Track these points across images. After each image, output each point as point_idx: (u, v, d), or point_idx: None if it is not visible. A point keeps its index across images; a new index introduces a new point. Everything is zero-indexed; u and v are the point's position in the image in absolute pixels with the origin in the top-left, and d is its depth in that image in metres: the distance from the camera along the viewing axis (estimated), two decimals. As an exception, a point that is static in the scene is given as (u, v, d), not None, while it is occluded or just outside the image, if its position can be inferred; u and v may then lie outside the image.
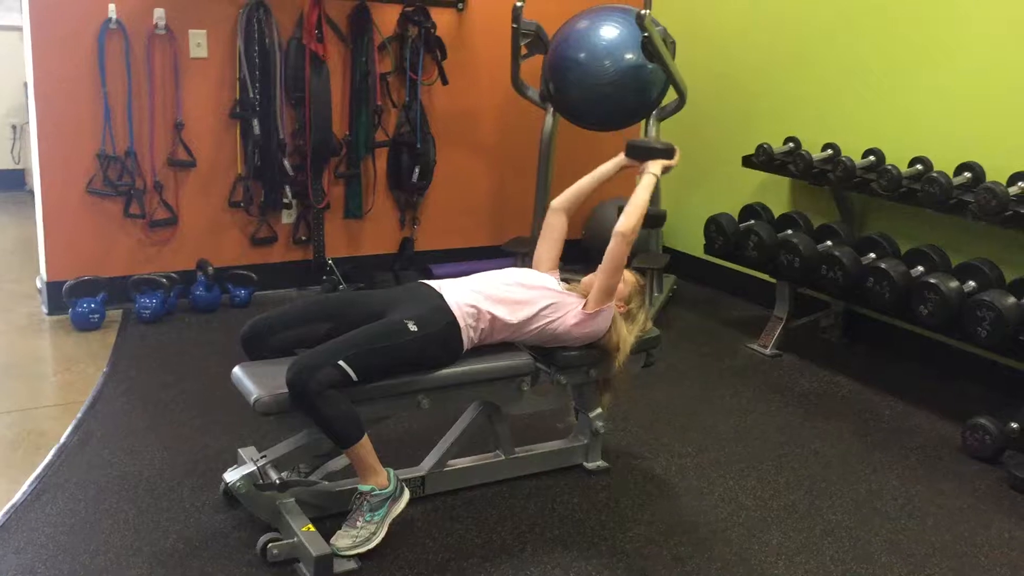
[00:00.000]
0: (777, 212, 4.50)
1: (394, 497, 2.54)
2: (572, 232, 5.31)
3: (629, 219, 2.78)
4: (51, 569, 2.40)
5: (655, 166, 2.92)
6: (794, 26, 4.66)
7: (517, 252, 4.69)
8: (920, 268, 3.76)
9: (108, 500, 2.73)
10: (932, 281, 3.52)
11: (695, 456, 3.24)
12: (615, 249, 2.76)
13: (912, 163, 3.95)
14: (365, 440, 2.48)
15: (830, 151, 4.29)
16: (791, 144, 4.45)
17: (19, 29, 4.42)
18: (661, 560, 2.60)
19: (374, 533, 2.48)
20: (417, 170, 4.90)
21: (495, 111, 5.16)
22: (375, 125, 4.79)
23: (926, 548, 2.73)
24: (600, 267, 2.80)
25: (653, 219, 3.13)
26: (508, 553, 2.59)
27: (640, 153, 2.98)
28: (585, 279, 2.96)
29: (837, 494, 3.02)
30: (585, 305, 2.80)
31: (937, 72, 4.01)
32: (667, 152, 2.97)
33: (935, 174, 3.68)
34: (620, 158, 3.03)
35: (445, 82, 4.88)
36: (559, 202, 3.05)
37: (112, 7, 4.11)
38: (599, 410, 3.03)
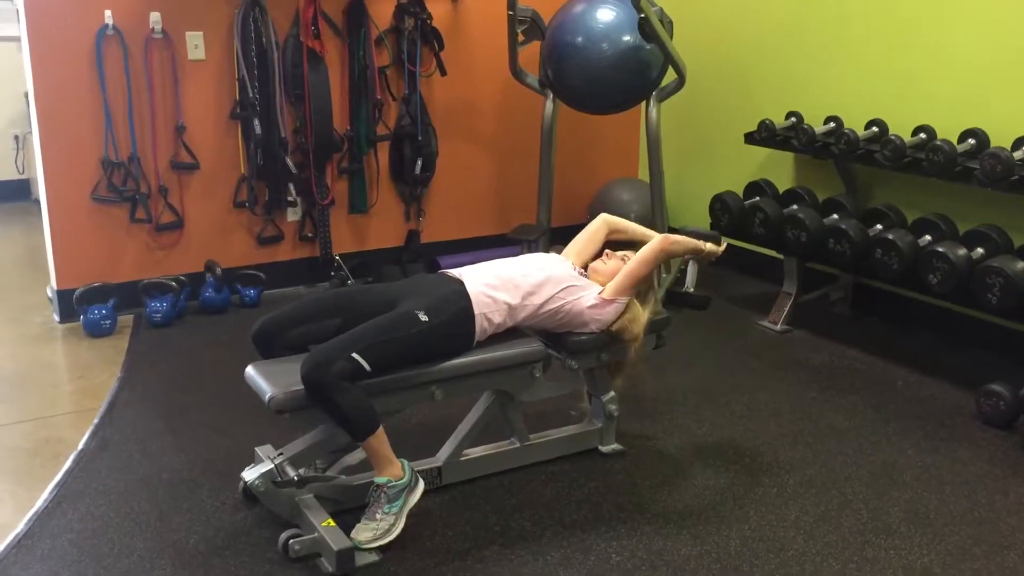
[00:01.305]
0: (782, 188, 4.49)
1: (410, 487, 2.56)
2: (579, 216, 5.33)
3: (679, 238, 2.93)
4: (76, 574, 2.42)
5: (687, 246, 2.96)
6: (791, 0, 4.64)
7: (523, 239, 4.69)
8: (928, 237, 3.75)
9: (129, 503, 2.76)
10: (940, 250, 3.51)
11: (710, 435, 3.24)
12: (656, 247, 2.86)
13: (915, 132, 3.94)
14: (380, 432, 2.49)
15: (832, 124, 4.28)
16: (793, 119, 4.44)
17: (17, 40, 4.43)
18: (680, 539, 2.61)
19: (393, 524, 2.49)
20: (420, 162, 4.90)
21: (495, 99, 5.16)
22: (376, 119, 4.79)
23: (945, 517, 2.73)
24: (635, 256, 2.86)
25: (698, 302, 3.22)
26: (527, 539, 2.60)
27: (695, 235, 3.01)
28: (592, 264, 2.97)
29: (853, 466, 3.02)
30: (603, 291, 2.82)
31: (937, 39, 3.99)
32: (709, 237, 3.01)
33: (939, 142, 3.66)
34: (658, 245, 2.94)
35: (443, 73, 4.87)
36: (612, 220, 3.11)
37: (108, 13, 4.11)
38: (612, 393, 3.04)
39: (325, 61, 4.57)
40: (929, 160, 3.67)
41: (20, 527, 2.62)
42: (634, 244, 3.01)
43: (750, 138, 4.54)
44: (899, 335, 4.17)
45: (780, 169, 4.74)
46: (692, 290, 3.16)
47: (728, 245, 3.08)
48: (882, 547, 2.58)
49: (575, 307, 2.80)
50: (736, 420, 3.36)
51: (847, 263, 3.90)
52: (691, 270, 3.17)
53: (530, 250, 4.45)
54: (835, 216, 4.10)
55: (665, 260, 2.94)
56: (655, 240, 2.91)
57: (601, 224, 3.08)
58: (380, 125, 4.82)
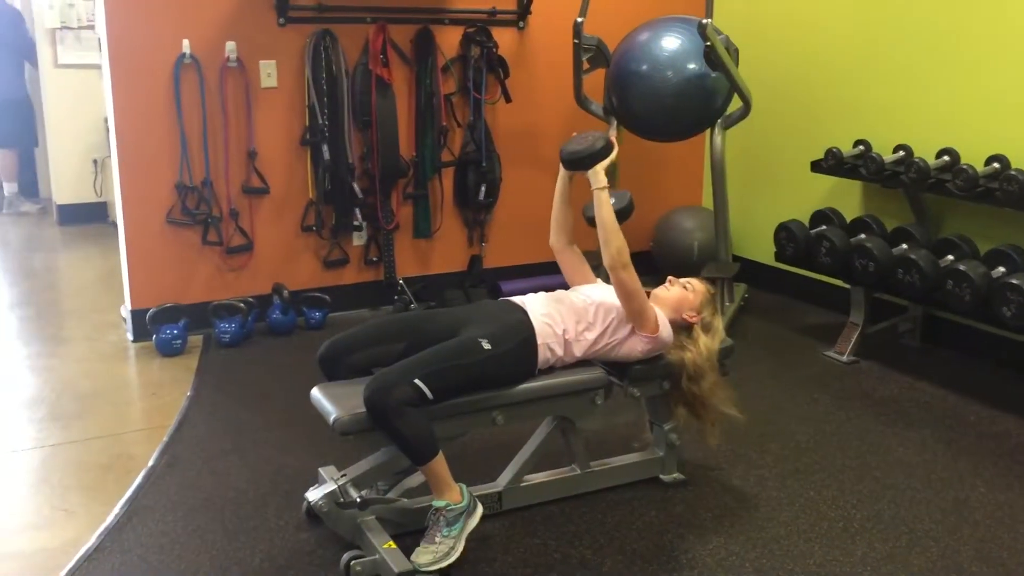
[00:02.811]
0: (849, 216, 4.42)
1: (469, 511, 2.56)
2: (642, 243, 5.31)
3: (606, 248, 2.68)
4: (144, 588, 2.48)
5: (596, 176, 2.73)
6: (858, 26, 4.59)
7: (586, 266, 4.68)
8: (1001, 269, 3.66)
9: (196, 521, 2.81)
10: (1014, 282, 3.42)
11: (773, 466, 3.20)
12: (616, 281, 2.68)
13: (988, 161, 3.85)
14: (440, 457, 2.50)
15: (902, 152, 4.21)
16: (861, 147, 4.38)
17: (99, 67, 4.60)
18: (743, 572, 2.57)
19: (452, 548, 2.50)
20: (483, 188, 4.94)
21: (559, 127, 5.18)
22: (441, 145, 4.85)
23: (1018, 556, 2.65)
24: (620, 301, 2.73)
25: (622, 212, 2.92)
26: (587, 567, 2.59)
27: (574, 165, 2.80)
28: (655, 291, 2.96)
29: (922, 502, 2.95)
30: (640, 328, 2.77)
31: (1010, 66, 3.91)
32: (599, 153, 2.73)
33: (1013, 172, 3.58)
34: (563, 172, 2.94)
35: (508, 100, 4.93)
36: (554, 241, 3.04)
37: (186, 42, 4.25)
38: (674, 422, 3.01)
39: (393, 88, 4.65)
40: (1003, 190, 3.59)
41: (92, 541, 2.69)
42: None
43: (816, 166, 4.49)
44: (971, 368, 4.07)
45: (847, 198, 4.68)
46: (612, 201, 2.89)
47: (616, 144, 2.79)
48: (952, 587, 2.51)
49: (624, 349, 2.78)
50: (801, 452, 3.31)
51: (917, 294, 3.82)
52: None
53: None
54: (904, 246, 4.03)
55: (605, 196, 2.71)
56: (607, 237, 2.68)
57: (558, 255, 3.03)
58: (445, 151, 4.88)
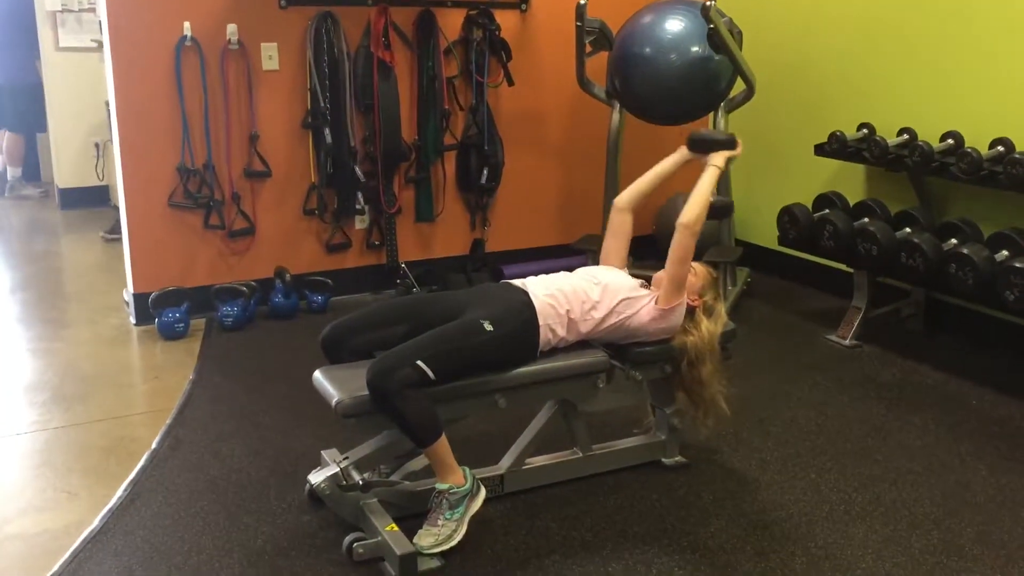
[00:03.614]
0: (852, 200, 4.41)
1: (471, 494, 2.57)
2: (643, 227, 5.30)
3: (692, 210, 2.81)
4: (148, 570, 2.49)
5: (718, 158, 2.94)
6: (863, 9, 4.57)
7: (587, 250, 4.69)
8: (1005, 252, 3.65)
9: (199, 503, 2.82)
10: (1018, 266, 3.42)
11: (775, 450, 3.20)
12: (680, 240, 2.79)
13: (993, 144, 3.84)
14: (443, 439, 2.51)
15: (906, 136, 4.19)
16: (865, 130, 4.36)
17: (100, 50, 4.59)
18: (744, 555, 2.57)
19: (455, 531, 2.51)
20: (486, 171, 4.93)
21: (561, 110, 5.17)
22: (443, 129, 4.84)
23: (1019, 540, 2.65)
24: (667, 260, 2.81)
25: (720, 210, 3.17)
26: (589, 550, 2.60)
27: (702, 146, 3.00)
28: (656, 275, 2.95)
29: (924, 486, 2.95)
30: (658, 300, 2.81)
31: (1015, 49, 3.89)
32: (729, 143, 2.98)
33: (1017, 155, 3.57)
34: (682, 152, 3.05)
35: (511, 83, 4.91)
36: (623, 200, 3.06)
37: (187, 25, 4.23)
38: (676, 406, 3.02)
39: (395, 72, 4.64)
40: (1007, 173, 3.58)
41: (96, 523, 2.71)
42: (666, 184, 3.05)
43: (820, 150, 4.47)
44: (973, 352, 4.06)
45: (851, 182, 4.66)
46: (713, 199, 3.05)
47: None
48: (953, 569, 2.51)
49: (634, 322, 2.79)
50: (803, 435, 3.31)
51: (920, 278, 3.81)
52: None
53: (595, 261, 4.45)
54: (908, 230, 4.01)
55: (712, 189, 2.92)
56: (704, 181, 2.87)
57: (615, 212, 3.07)
58: (447, 135, 4.87)
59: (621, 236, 3.04)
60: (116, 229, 5.74)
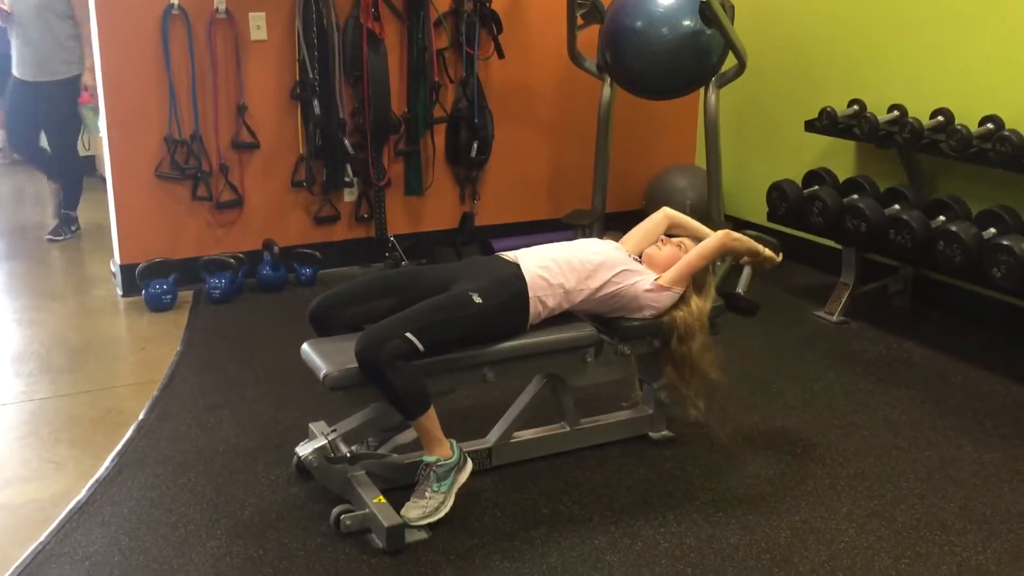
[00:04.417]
0: (842, 177, 4.41)
1: (458, 467, 2.58)
2: (633, 202, 5.29)
3: (740, 236, 2.93)
4: (134, 541, 2.49)
5: (753, 243, 2.96)
6: (857, -15, 4.55)
7: (577, 224, 4.68)
8: (992, 230, 3.66)
9: (186, 475, 2.82)
10: (1005, 243, 3.43)
11: (761, 424, 3.22)
12: (715, 244, 2.89)
13: (982, 122, 3.84)
14: (431, 412, 2.52)
15: (896, 112, 4.19)
16: (855, 107, 4.36)
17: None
18: (729, 528, 2.59)
19: (442, 503, 2.52)
20: (476, 145, 4.91)
21: (552, 83, 5.14)
22: (433, 101, 4.81)
23: (1002, 514, 2.68)
24: (694, 249, 2.87)
25: (746, 307, 3.37)
26: (575, 523, 2.61)
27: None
28: (647, 251, 2.96)
29: (908, 461, 2.98)
30: (660, 277, 2.81)
31: (1005, 27, 3.88)
32: (774, 247, 3.02)
33: (1007, 132, 3.57)
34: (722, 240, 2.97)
35: (501, 56, 4.88)
36: (673, 214, 3.08)
37: (174, -7, 4.19)
38: (663, 380, 3.02)
39: (384, 43, 4.60)
40: (996, 151, 3.58)
41: (82, 494, 2.71)
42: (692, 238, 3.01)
43: (811, 126, 4.47)
44: (959, 329, 4.08)
45: (841, 158, 4.66)
46: (743, 292, 3.14)
47: (782, 256, 3.04)
48: (936, 543, 2.54)
49: (630, 291, 2.80)
50: (789, 410, 3.33)
51: (908, 254, 3.82)
52: (745, 273, 3.15)
53: (584, 235, 4.45)
54: (896, 206, 4.02)
55: (723, 255, 2.93)
56: (717, 235, 2.91)
57: (662, 217, 3.07)
58: (437, 107, 4.84)
59: (651, 236, 3.04)
60: (60, 229, 5.44)
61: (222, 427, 3.12)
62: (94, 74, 4.57)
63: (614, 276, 2.79)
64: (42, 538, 2.49)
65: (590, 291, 2.77)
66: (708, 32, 4.19)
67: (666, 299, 2.82)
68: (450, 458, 2.55)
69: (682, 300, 2.87)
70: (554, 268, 2.73)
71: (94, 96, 4.84)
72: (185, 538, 2.51)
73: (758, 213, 4.78)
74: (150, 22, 4.20)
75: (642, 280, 2.81)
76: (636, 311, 2.83)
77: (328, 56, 4.49)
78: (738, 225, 5.02)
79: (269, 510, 2.64)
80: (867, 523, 2.63)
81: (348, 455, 2.54)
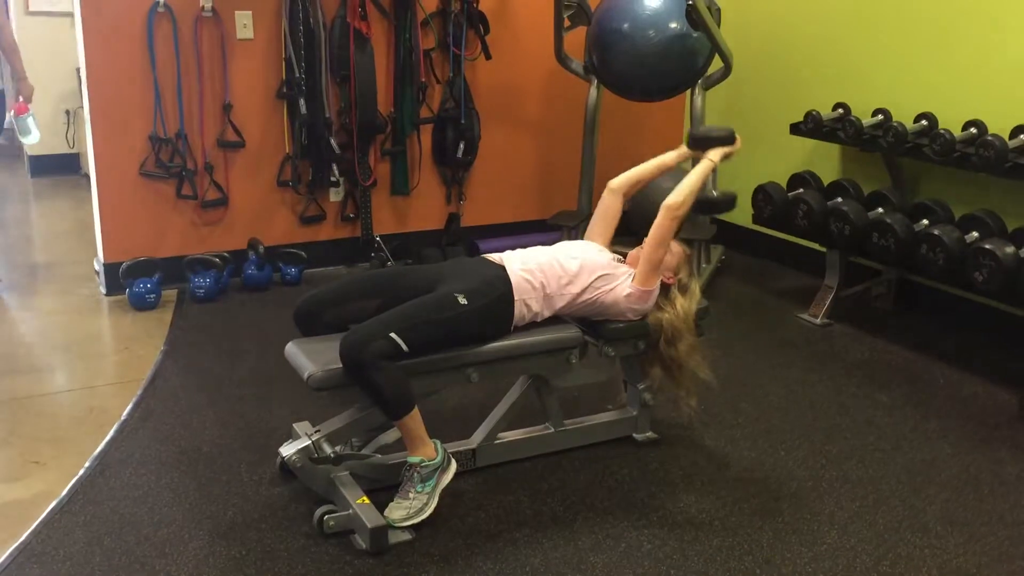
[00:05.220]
0: (827, 180, 4.43)
1: (442, 468, 2.58)
2: (618, 204, 5.26)
3: (678, 195, 2.84)
4: (116, 540, 2.47)
5: (715, 153, 2.97)
6: (842, -11, 4.57)
7: (564, 225, 4.69)
8: (975, 234, 3.69)
9: (169, 474, 2.81)
10: (987, 247, 3.45)
11: (745, 426, 3.23)
12: (661, 222, 2.80)
13: (966, 127, 3.87)
14: (415, 412, 2.51)
15: (880, 116, 4.22)
16: (840, 110, 4.38)
17: (70, 15, 4.50)
18: (712, 529, 2.60)
19: (426, 504, 2.52)
20: (462, 145, 4.91)
21: (539, 85, 5.15)
22: (420, 101, 4.81)
23: (983, 517, 2.70)
24: (646, 240, 2.81)
25: (724, 203, 3.38)
26: (559, 523, 2.61)
27: (701, 143, 3.05)
28: (632, 252, 2.96)
29: (891, 463, 2.99)
30: (634, 279, 2.82)
31: (989, 32, 3.91)
32: (727, 139, 3.02)
33: (990, 137, 3.60)
34: (683, 149, 3.08)
35: (488, 57, 4.88)
36: (617, 183, 3.08)
37: (159, -9, 4.17)
38: (648, 382, 3.03)
39: (371, 43, 4.59)
40: (979, 155, 3.61)
41: (64, 493, 2.69)
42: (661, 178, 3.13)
43: (796, 129, 4.49)
44: (942, 332, 4.11)
45: (825, 161, 4.68)
46: (715, 193, 3.15)
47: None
48: (917, 545, 2.55)
49: (610, 297, 2.80)
50: (773, 412, 3.34)
51: (891, 258, 3.84)
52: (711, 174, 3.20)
53: (570, 237, 4.46)
54: (880, 210, 4.05)
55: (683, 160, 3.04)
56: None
57: (607, 194, 3.08)
58: (424, 108, 4.84)
59: (610, 217, 3.05)
60: None
61: (205, 427, 3.11)
62: (29, 83, 4.50)
63: (594, 281, 2.79)
64: (23, 538, 2.47)
65: (571, 296, 2.77)
66: (694, 35, 4.21)
67: (648, 298, 2.83)
68: (434, 459, 2.55)
69: (667, 302, 2.88)
70: (537, 272, 2.73)
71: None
72: (167, 538, 2.49)
73: (743, 215, 4.80)
74: (135, 20, 4.18)
75: (620, 285, 2.81)
76: (619, 315, 2.84)
77: (315, 55, 4.48)
78: (721, 227, 5.06)
79: (252, 510, 2.63)
80: (849, 525, 2.64)
81: (332, 455, 2.53)
